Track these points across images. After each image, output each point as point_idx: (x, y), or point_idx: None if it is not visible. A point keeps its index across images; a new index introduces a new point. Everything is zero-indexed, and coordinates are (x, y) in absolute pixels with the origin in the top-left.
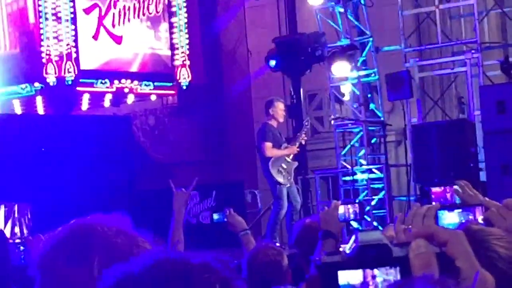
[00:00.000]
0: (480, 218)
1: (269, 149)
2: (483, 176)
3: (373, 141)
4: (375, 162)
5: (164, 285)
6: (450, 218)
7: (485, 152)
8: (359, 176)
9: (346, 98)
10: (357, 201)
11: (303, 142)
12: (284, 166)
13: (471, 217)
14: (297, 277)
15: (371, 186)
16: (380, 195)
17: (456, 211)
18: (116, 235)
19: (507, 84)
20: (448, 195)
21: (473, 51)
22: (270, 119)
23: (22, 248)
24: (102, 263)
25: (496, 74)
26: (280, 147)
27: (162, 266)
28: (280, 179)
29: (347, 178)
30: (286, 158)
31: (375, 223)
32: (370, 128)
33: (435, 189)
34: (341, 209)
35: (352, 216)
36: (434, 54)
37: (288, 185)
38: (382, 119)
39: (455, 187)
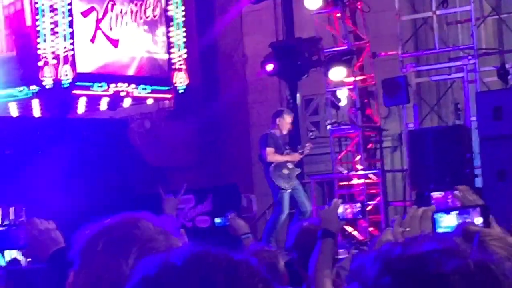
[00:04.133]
0: (477, 220)
1: (271, 154)
2: (478, 182)
3: (369, 146)
4: (371, 167)
5: (208, 278)
6: (448, 221)
7: (481, 158)
8: (355, 181)
9: (343, 103)
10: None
11: (307, 151)
12: (286, 172)
13: (468, 220)
14: (294, 282)
15: (367, 191)
16: (376, 201)
17: (453, 213)
18: (157, 233)
19: (503, 90)
20: (449, 201)
21: (469, 57)
22: (274, 128)
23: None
24: (138, 256)
25: (493, 80)
26: (282, 154)
27: (205, 259)
28: (281, 184)
29: (343, 183)
30: (288, 164)
31: (370, 229)
32: (366, 133)
33: (436, 195)
34: (341, 209)
35: (351, 215)
36: (431, 60)
37: (290, 190)
38: (378, 124)
39: (455, 192)
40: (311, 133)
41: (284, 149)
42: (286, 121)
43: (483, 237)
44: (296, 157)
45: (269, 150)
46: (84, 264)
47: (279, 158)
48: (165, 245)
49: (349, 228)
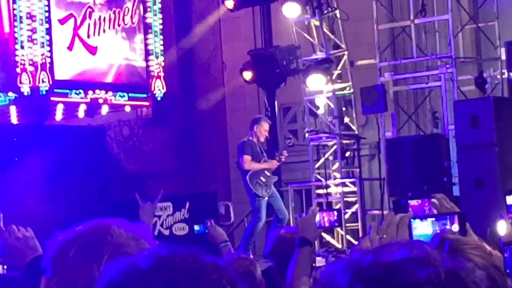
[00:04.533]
0: (454, 227)
1: (248, 162)
2: (456, 190)
3: (347, 154)
4: (349, 175)
5: (173, 282)
6: (424, 227)
7: (459, 166)
8: (333, 189)
9: (321, 111)
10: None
11: (283, 159)
12: (263, 179)
13: (447, 226)
14: None
15: (345, 199)
16: (354, 209)
17: (430, 220)
18: (129, 239)
19: (481, 99)
20: (426, 209)
21: (447, 65)
22: (252, 135)
23: None
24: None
25: (470, 89)
26: (259, 162)
27: (171, 262)
28: (258, 191)
29: (321, 191)
30: (266, 171)
31: (348, 237)
32: (344, 141)
33: (413, 202)
34: (318, 217)
35: (327, 224)
36: (409, 68)
37: (267, 197)
38: (356, 132)
39: (433, 200)
40: (288, 140)
41: (262, 157)
42: (263, 128)
43: (461, 246)
44: (273, 164)
45: (246, 158)
46: (56, 271)
47: (255, 166)
48: (136, 251)
49: (326, 236)
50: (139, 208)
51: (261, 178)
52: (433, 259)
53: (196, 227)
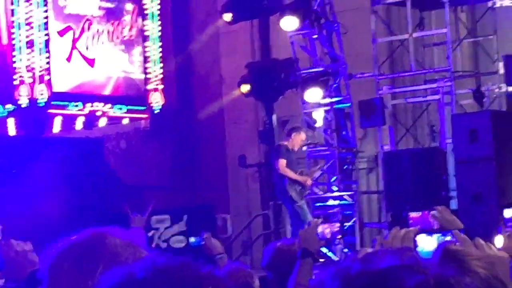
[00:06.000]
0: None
1: (283, 166)
2: (454, 204)
3: (345, 167)
4: (347, 188)
5: None
6: (429, 242)
7: (457, 180)
8: (331, 203)
9: (319, 124)
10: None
11: (314, 177)
12: (299, 187)
13: (449, 238)
14: None
15: (342, 212)
16: (351, 222)
17: (435, 235)
18: (125, 248)
19: (479, 113)
20: (428, 220)
21: (445, 79)
22: (288, 141)
23: None
24: (105, 272)
25: (468, 102)
26: (294, 169)
27: (167, 272)
28: (294, 196)
29: (319, 204)
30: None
31: (345, 250)
32: (342, 154)
33: (413, 214)
34: (320, 228)
35: (329, 235)
36: (407, 82)
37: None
38: (354, 146)
39: (433, 212)
40: (319, 166)
41: (297, 166)
42: (301, 138)
43: (464, 257)
44: (306, 180)
45: (282, 161)
46: (52, 282)
47: (291, 174)
48: (133, 258)
49: (324, 249)
50: (129, 220)
51: (298, 185)
52: (423, 266)
53: (192, 239)
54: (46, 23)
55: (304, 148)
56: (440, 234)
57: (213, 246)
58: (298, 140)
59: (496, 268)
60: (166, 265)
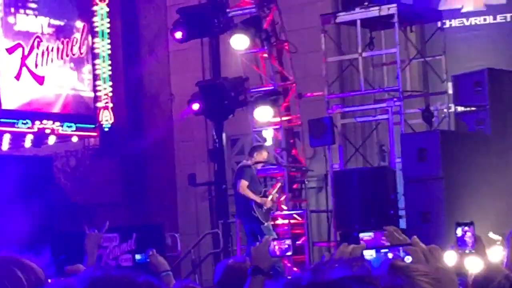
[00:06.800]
0: (407, 259)
1: (244, 186)
2: (403, 223)
3: (294, 186)
4: (296, 207)
5: None
6: (377, 258)
7: (406, 199)
8: (280, 221)
9: (268, 143)
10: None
11: (274, 198)
12: (264, 209)
13: (400, 253)
14: None
15: (292, 231)
16: (301, 241)
17: (383, 251)
18: (24, 269)
19: (428, 132)
20: (380, 241)
21: (395, 99)
22: (252, 161)
23: None
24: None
25: (417, 122)
26: (259, 189)
27: (105, 283)
28: (261, 217)
29: None
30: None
31: (295, 269)
32: (291, 173)
33: (365, 237)
34: (271, 245)
35: (278, 252)
36: (357, 101)
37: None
38: (303, 165)
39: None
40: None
41: (261, 188)
42: (263, 156)
43: (410, 272)
44: (266, 202)
45: (244, 182)
46: None
47: (251, 195)
48: (32, 278)
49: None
50: (85, 236)
51: (263, 207)
52: (373, 278)
53: (138, 256)
54: None
55: (259, 166)
56: (388, 250)
57: (158, 263)
58: (261, 158)
59: (442, 284)
60: (103, 276)
